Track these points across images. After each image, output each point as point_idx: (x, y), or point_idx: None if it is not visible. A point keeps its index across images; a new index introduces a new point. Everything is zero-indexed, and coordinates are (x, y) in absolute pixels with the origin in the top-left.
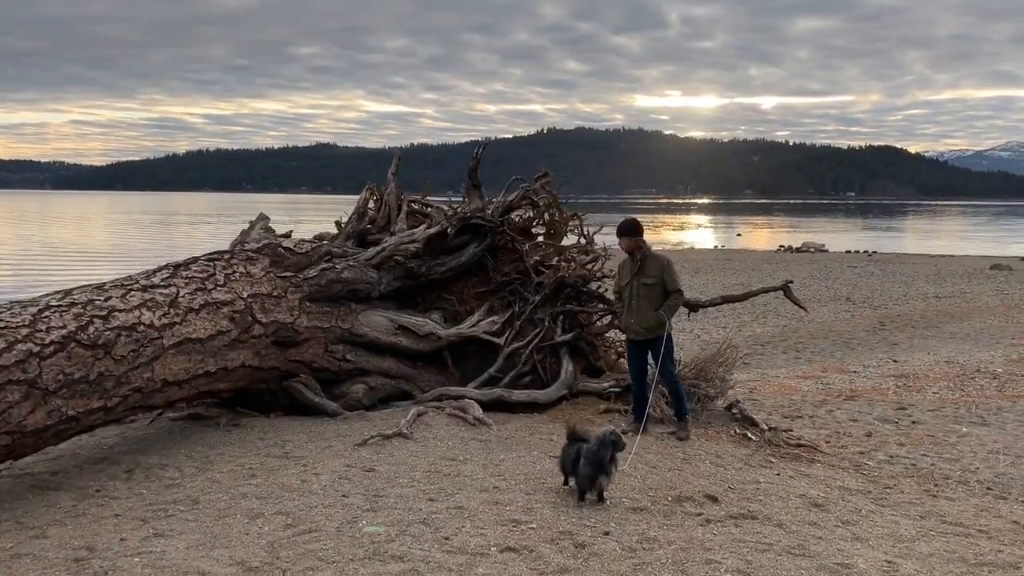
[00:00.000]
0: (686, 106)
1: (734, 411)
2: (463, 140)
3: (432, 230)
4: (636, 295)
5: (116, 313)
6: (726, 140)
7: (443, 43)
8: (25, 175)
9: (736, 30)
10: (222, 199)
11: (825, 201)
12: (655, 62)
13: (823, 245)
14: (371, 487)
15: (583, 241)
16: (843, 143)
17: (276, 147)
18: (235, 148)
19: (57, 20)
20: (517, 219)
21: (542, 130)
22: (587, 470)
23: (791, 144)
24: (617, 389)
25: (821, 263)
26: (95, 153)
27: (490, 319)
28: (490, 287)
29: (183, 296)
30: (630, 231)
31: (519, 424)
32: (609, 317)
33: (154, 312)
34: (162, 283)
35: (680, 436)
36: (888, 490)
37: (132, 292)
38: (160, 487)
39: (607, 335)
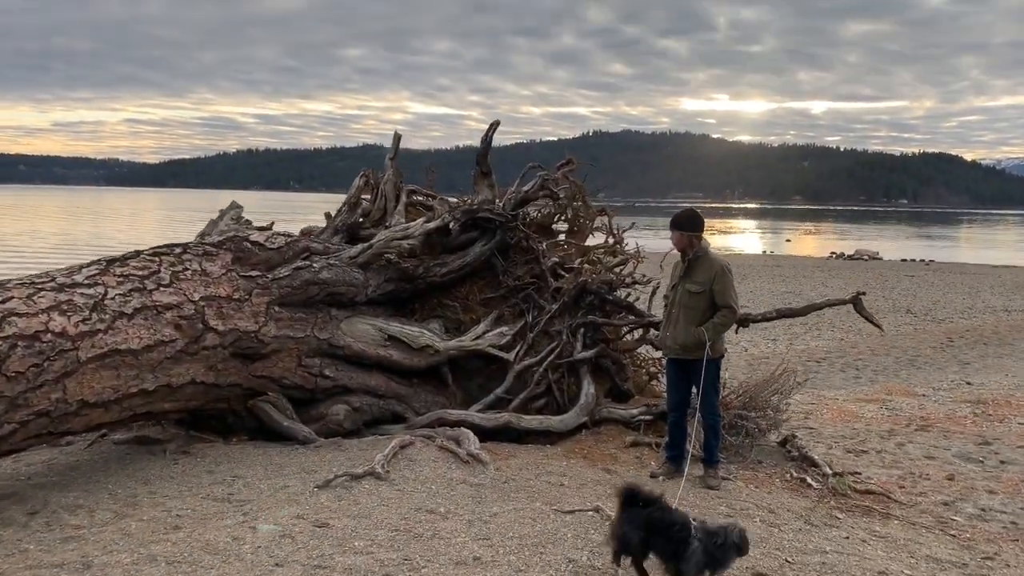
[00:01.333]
0: (734, 110)
1: (789, 448)
2: (508, 143)
3: (431, 224)
4: (678, 303)
5: (13, 318)
6: (775, 145)
7: (489, 46)
8: (81, 171)
9: (784, 33)
10: (270, 198)
11: (877, 208)
12: (702, 65)
13: (877, 253)
14: (316, 552)
15: (611, 241)
16: (896, 149)
17: (324, 147)
18: (284, 148)
19: (112, 22)
20: (535, 213)
21: (587, 132)
22: (701, 558)
23: (842, 150)
24: (647, 417)
25: (876, 271)
26: (148, 151)
27: (498, 330)
28: (499, 292)
29: (112, 298)
30: (683, 224)
31: (525, 460)
32: (640, 331)
33: (68, 317)
34: (86, 281)
35: (709, 484)
36: (988, 561)
37: (42, 292)
38: (55, 540)
39: (637, 352)
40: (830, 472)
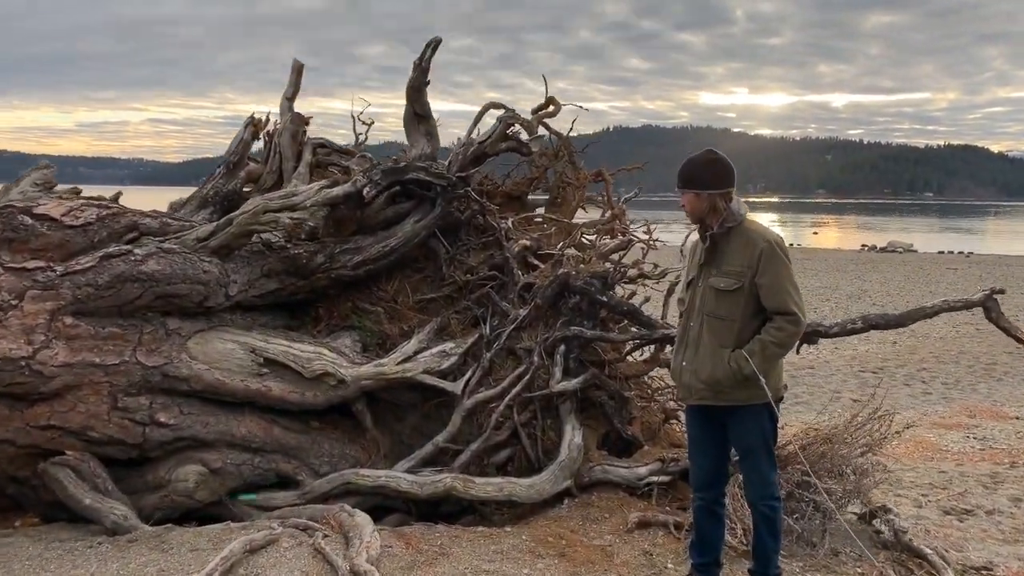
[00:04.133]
0: (754, 104)
1: (879, 526)
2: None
3: (336, 190)
4: (698, 312)
5: None
6: (796, 138)
7: (507, 42)
8: (106, 171)
9: (804, 26)
10: None
11: (902, 201)
12: (721, 59)
13: (911, 245)
14: None
15: (607, 215)
16: (919, 142)
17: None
18: None
19: (133, 23)
20: (501, 181)
21: (608, 128)
22: None
23: (865, 143)
24: (663, 478)
25: (914, 264)
26: (172, 150)
27: (440, 348)
28: (443, 292)
29: None
30: (696, 176)
31: (460, 566)
32: (651, 348)
33: None
34: None
35: None
36: None
37: None
38: None
39: (647, 378)
40: None
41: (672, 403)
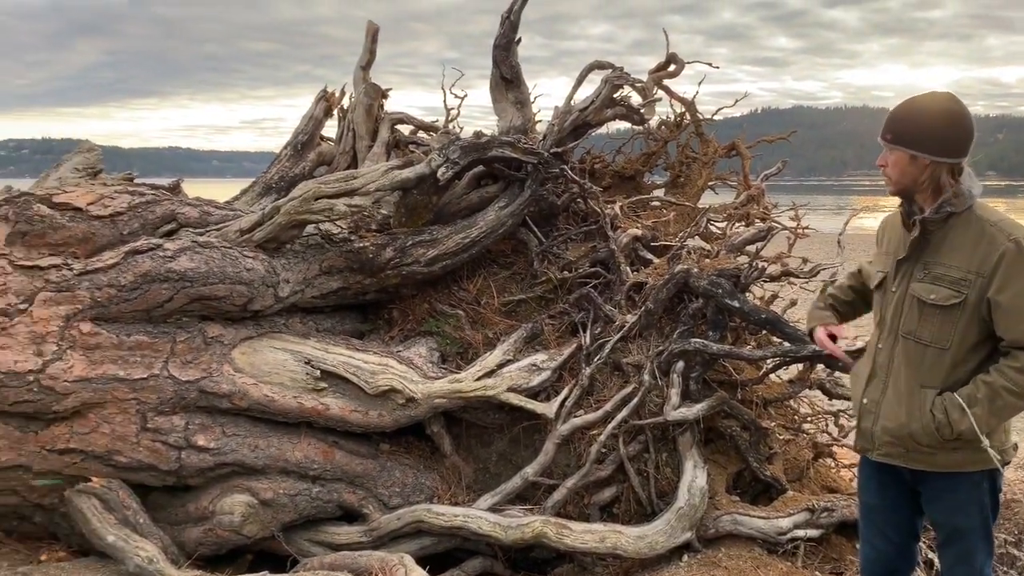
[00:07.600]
0: (914, 82)
1: None
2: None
3: (405, 172)
4: (891, 329)
5: None
6: None
7: (644, 27)
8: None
9: None
10: None
11: None
12: (875, 35)
13: None
14: None
15: (742, 196)
16: None
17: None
18: None
19: (287, 23)
20: (611, 158)
21: (756, 110)
22: None
23: None
24: (811, 532)
25: None
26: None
27: (530, 360)
28: (534, 292)
29: None
30: (910, 128)
31: None
32: (797, 367)
33: None
34: None
35: None
36: None
37: None
38: None
39: (790, 404)
40: None
41: (824, 436)
